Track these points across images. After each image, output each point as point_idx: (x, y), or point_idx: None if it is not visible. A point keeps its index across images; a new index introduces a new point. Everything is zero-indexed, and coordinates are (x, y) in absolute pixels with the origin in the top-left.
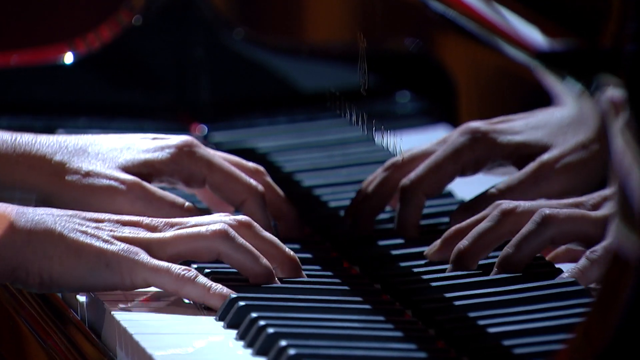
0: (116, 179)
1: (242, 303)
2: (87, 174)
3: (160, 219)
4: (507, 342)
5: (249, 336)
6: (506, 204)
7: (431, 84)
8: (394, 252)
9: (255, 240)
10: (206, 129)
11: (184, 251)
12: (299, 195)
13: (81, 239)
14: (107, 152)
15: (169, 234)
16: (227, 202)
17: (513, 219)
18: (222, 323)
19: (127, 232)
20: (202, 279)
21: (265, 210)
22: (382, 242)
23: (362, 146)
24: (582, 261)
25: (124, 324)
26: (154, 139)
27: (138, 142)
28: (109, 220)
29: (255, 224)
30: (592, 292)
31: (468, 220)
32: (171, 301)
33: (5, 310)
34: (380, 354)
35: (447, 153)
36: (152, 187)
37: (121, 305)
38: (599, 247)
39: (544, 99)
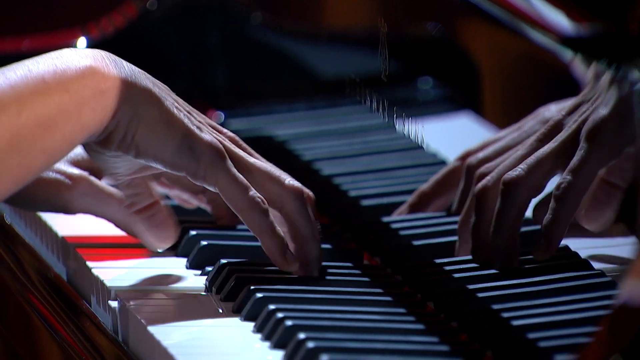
0: (63, 173)
1: (259, 295)
2: None
3: (241, 141)
4: (531, 335)
5: (267, 329)
6: (478, 185)
7: (454, 70)
8: (416, 243)
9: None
10: (223, 116)
11: (255, 184)
12: (318, 184)
13: (176, 112)
14: None
15: (250, 159)
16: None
17: (492, 194)
18: (239, 315)
19: (215, 134)
20: (272, 217)
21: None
22: (403, 233)
23: (382, 134)
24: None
25: (138, 315)
26: None
27: None
28: (199, 114)
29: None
30: (619, 283)
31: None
32: (186, 291)
33: (16, 301)
34: (400, 347)
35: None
36: (100, 183)
37: (134, 294)
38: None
39: (570, 85)
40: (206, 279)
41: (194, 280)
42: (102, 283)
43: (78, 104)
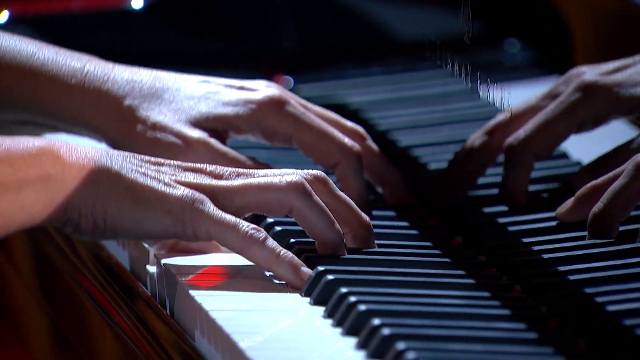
0: (182, 136)
1: (330, 277)
2: (154, 126)
3: (227, 167)
4: (629, 322)
5: (338, 314)
6: None
7: (543, 31)
8: (501, 220)
9: (329, 198)
10: (292, 81)
11: (253, 202)
12: (395, 155)
13: (140, 180)
14: (182, 101)
15: (237, 182)
16: (318, 163)
17: None
18: (308, 299)
19: (192, 177)
20: (271, 242)
21: (361, 175)
22: (488, 210)
23: (465, 101)
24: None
25: (199, 299)
26: (240, 88)
27: (221, 91)
28: (170, 165)
29: (330, 181)
30: None
31: (605, 177)
32: (250, 272)
33: (66, 284)
34: (484, 335)
35: (560, 110)
36: (222, 147)
37: (195, 277)
38: None
39: None
40: None
41: None
42: (158, 262)
43: (19, 181)
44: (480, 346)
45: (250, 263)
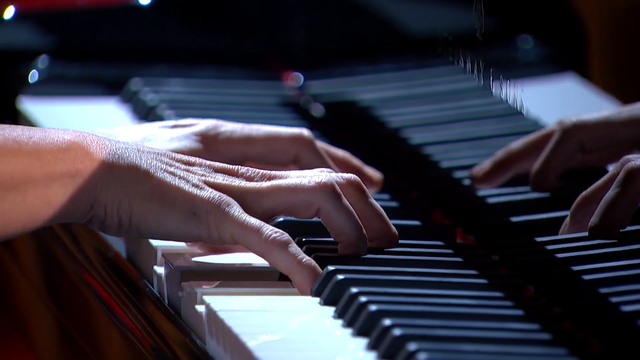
0: None
1: (340, 277)
2: None
3: (257, 170)
4: None
5: (349, 314)
6: (633, 161)
7: (557, 27)
8: (514, 220)
9: (360, 204)
10: (302, 77)
11: (281, 205)
12: (406, 153)
13: (168, 180)
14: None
15: (266, 184)
16: (277, 166)
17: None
18: (317, 299)
19: (221, 179)
20: (294, 247)
21: (320, 155)
22: (500, 208)
23: (478, 98)
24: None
25: (207, 299)
26: (174, 127)
27: (158, 132)
28: (201, 165)
29: (363, 186)
30: None
31: (594, 185)
32: (258, 271)
33: (72, 282)
34: (497, 335)
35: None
36: None
37: (204, 278)
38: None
39: None
40: None
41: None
42: (168, 263)
43: (47, 175)
44: (492, 347)
45: (260, 263)
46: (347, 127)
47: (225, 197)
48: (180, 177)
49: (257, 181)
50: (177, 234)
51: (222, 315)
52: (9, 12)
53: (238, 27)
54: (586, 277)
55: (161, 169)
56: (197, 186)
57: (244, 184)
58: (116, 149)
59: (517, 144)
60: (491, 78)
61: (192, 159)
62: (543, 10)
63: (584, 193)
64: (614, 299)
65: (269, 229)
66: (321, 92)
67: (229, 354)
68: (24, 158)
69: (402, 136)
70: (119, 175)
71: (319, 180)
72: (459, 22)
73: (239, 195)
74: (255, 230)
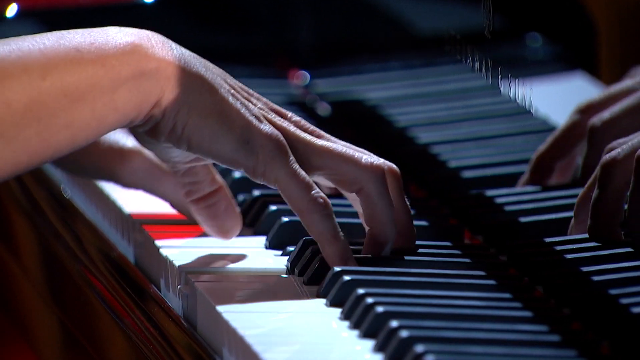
0: (116, 144)
1: (347, 277)
2: None
3: (311, 125)
4: None
5: (355, 316)
6: (611, 151)
7: (566, 25)
8: (523, 220)
9: (394, 195)
10: (308, 76)
11: (328, 168)
12: (413, 153)
13: (231, 100)
14: None
15: (320, 142)
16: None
17: (620, 169)
18: (324, 300)
19: (278, 120)
20: (334, 220)
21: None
22: (509, 208)
23: (486, 97)
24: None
25: (211, 300)
26: None
27: None
28: (259, 99)
29: (401, 179)
30: None
31: (588, 183)
32: (265, 273)
33: (75, 284)
34: (505, 337)
35: None
36: (155, 158)
37: (208, 279)
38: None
39: None
40: (287, 260)
41: (274, 261)
42: (171, 264)
43: (113, 81)
44: (500, 349)
45: (263, 267)
46: (354, 126)
47: (282, 138)
48: (242, 103)
49: (311, 134)
50: (224, 157)
51: (227, 317)
52: (12, 10)
53: (244, 25)
54: (596, 278)
55: (225, 88)
56: (256, 117)
57: (299, 132)
58: (182, 54)
59: (545, 146)
60: (499, 76)
61: (251, 91)
62: (552, 8)
63: (581, 193)
64: (624, 300)
65: (317, 191)
66: (327, 90)
67: (235, 356)
68: (88, 67)
69: (409, 135)
70: (183, 81)
71: (372, 160)
72: (467, 20)
73: (292, 142)
74: (305, 185)
